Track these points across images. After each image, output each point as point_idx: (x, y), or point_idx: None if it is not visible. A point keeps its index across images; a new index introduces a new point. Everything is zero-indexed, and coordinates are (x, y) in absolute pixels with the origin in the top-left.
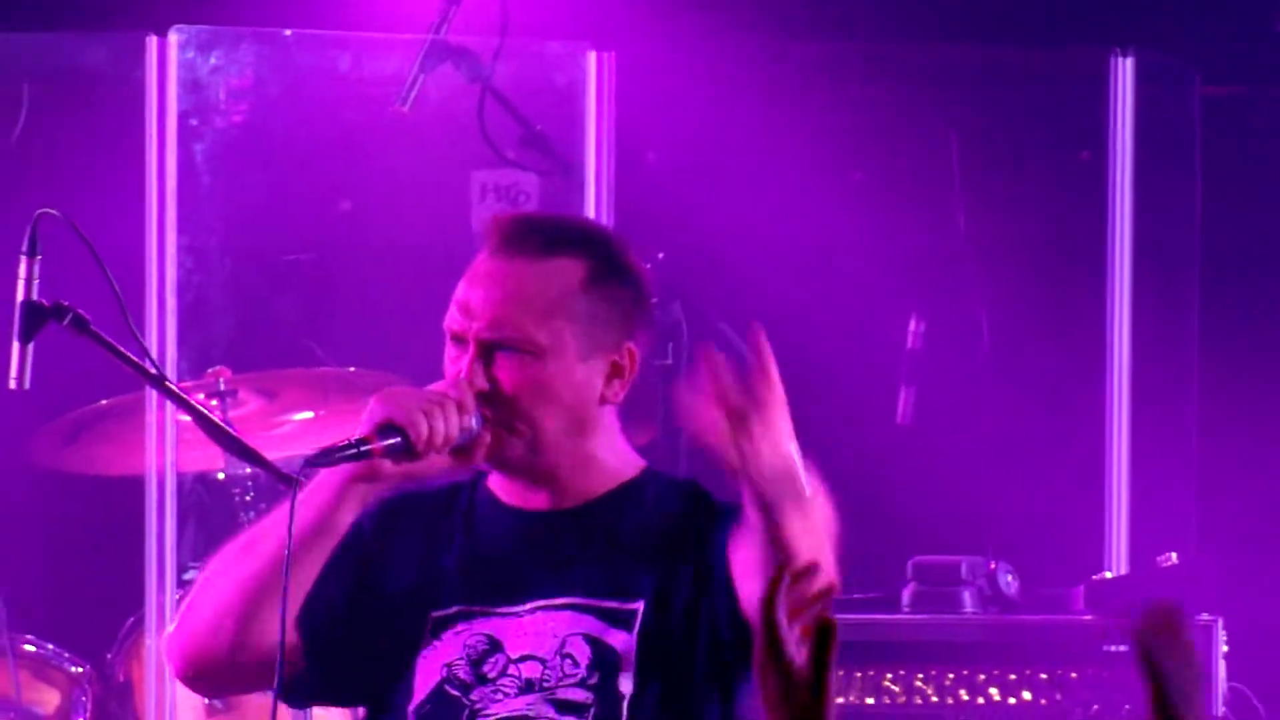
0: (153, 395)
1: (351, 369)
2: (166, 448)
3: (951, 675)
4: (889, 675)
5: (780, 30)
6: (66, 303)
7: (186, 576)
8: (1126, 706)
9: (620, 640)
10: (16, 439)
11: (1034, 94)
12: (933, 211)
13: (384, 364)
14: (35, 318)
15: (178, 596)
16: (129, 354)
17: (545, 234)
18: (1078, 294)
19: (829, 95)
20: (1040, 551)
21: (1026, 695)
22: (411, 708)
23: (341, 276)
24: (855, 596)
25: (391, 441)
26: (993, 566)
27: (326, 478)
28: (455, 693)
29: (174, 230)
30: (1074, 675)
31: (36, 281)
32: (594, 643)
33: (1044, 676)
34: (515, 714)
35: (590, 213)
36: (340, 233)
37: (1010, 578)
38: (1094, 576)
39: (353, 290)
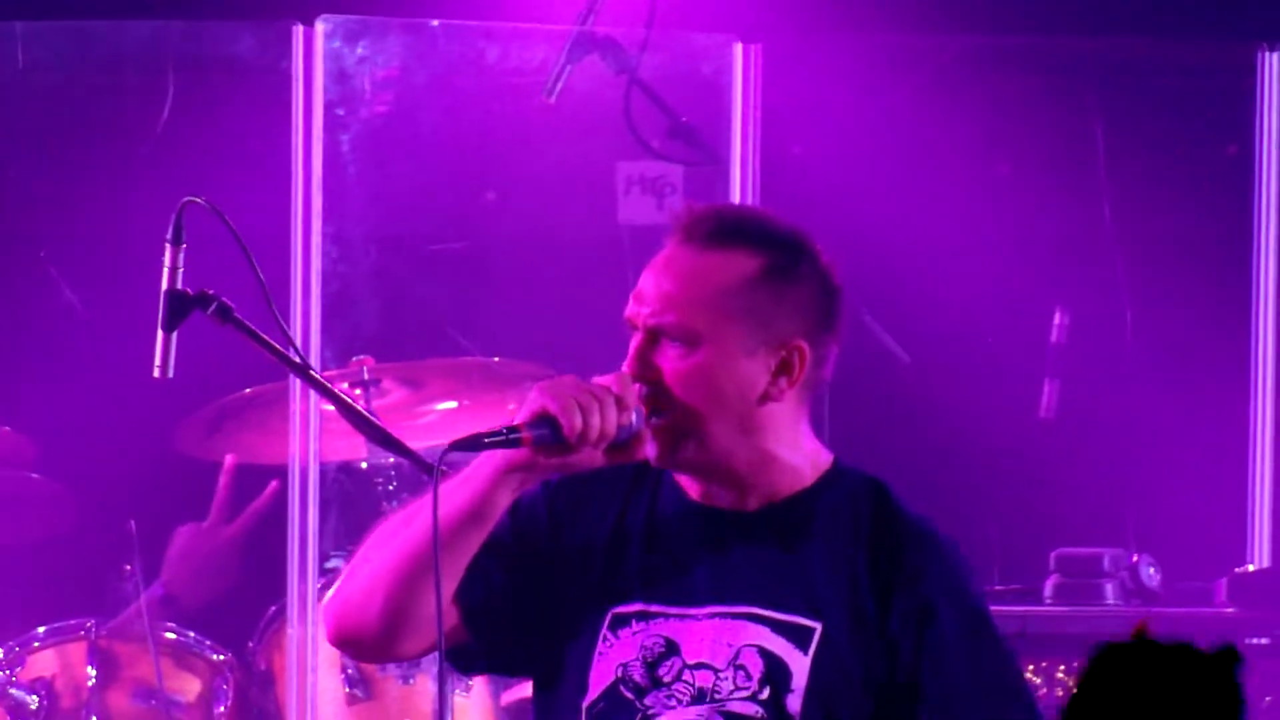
0: (297, 384)
1: (496, 359)
2: (310, 437)
3: None
4: (1030, 666)
5: (926, 23)
6: (211, 291)
7: (329, 565)
8: (1267, 699)
9: (795, 658)
10: (161, 428)
11: (1180, 87)
12: (1078, 204)
13: (528, 353)
14: (180, 306)
15: (319, 585)
16: (273, 343)
17: (724, 225)
18: (1222, 287)
19: (975, 88)
20: (1183, 544)
21: None
22: (585, 703)
23: (486, 266)
24: (997, 588)
25: (541, 432)
26: (1135, 559)
27: (483, 463)
28: (629, 695)
29: (319, 220)
30: None
31: (181, 270)
32: (767, 656)
33: None
34: None
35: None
36: (485, 223)
37: (1153, 570)
38: (1237, 569)
39: (497, 280)
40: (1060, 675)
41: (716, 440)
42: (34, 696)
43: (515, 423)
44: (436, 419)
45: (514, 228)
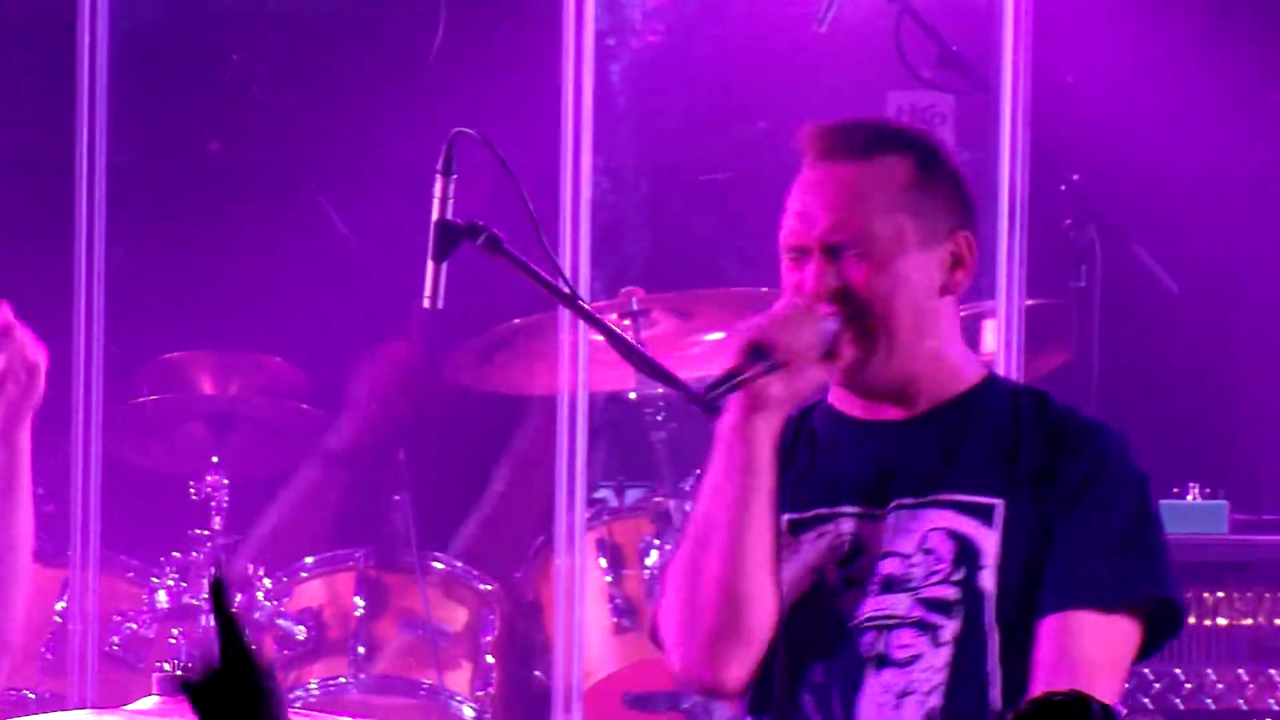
0: (566, 315)
1: (765, 289)
2: (579, 367)
3: None
4: None
5: None
6: (481, 222)
7: (597, 495)
8: None
9: (983, 535)
10: (431, 358)
11: None
12: None
13: None
14: (450, 237)
15: (587, 515)
16: (542, 274)
17: (866, 136)
18: None
19: (1250, 14)
20: None
21: None
22: (784, 610)
23: (757, 196)
24: (1266, 517)
25: (760, 362)
26: None
27: (723, 435)
28: (825, 596)
29: (589, 151)
30: None
31: (451, 201)
32: (956, 537)
33: None
34: (882, 612)
35: (1005, 135)
36: (756, 153)
37: None
38: None
39: (768, 210)
40: None
41: (902, 343)
42: (301, 627)
43: (729, 366)
44: (705, 349)
45: (785, 157)
